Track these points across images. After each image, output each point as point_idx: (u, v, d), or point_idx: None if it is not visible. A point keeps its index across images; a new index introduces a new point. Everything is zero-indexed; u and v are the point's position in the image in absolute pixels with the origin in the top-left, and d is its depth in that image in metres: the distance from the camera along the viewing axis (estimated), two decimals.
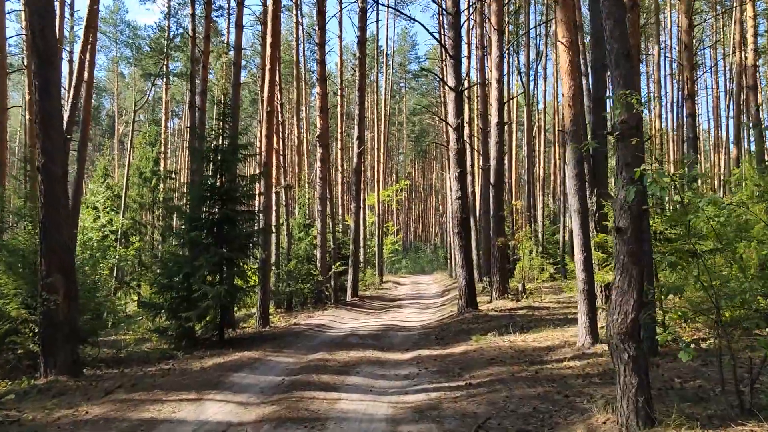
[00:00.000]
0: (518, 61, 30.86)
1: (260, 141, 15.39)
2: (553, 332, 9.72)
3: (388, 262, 46.40)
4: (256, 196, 13.69)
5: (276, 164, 24.21)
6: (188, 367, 8.87)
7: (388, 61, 45.81)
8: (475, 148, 24.05)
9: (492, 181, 15.12)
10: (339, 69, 32.49)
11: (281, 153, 22.70)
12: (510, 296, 15.17)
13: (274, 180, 24.38)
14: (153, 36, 35.38)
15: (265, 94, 14.73)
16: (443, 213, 75.76)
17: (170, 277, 10.95)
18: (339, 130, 33.74)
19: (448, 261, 37.86)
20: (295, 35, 27.22)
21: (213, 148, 11.68)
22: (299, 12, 27.57)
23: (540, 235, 25.69)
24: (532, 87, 30.95)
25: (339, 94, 33.76)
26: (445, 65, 13.94)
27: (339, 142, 34.05)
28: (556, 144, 30.02)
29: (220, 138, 11.82)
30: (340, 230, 27.95)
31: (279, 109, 22.43)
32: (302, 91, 37.04)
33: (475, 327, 11.45)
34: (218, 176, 11.62)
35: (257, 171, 14.38)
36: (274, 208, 23.80)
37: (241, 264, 11.88)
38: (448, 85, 13.79)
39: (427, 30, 21.86)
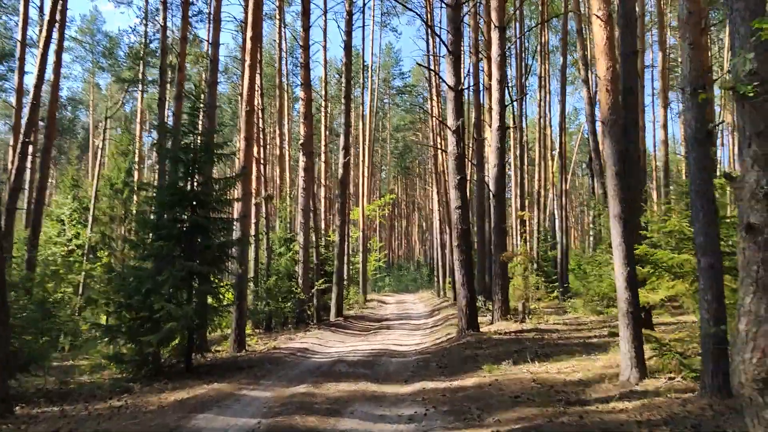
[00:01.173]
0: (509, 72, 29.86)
1: (239, 144, 13.92)
2: (580, 361, 8.33)
3: (372, 280, 44.85)
4: (233, 202, 12.15)
5: (256, 174, 22.72)
6: (144, 404, 7.29)
7: (373, 77, 44.75)
8: (468, 157, 22.84)
9: (493, 190, 13.80)
10: (323, 82, 31.28)
11: (262, 162, 21.23)
12: (512, 317, 13.79)
13: (254, 190, 22.89)
14: (127, 41, 33.90)
15: (244, 92, 13.32)
16: (427, 230, 74.57)
17: (129, 294, 9.36)
18: (323, 144, 32.46)
19: (435, 279, 36.49)
20: (278, 42, 25.91)
21: (183, 147, 10.19)
22: (282, 18, 26.30)
23: (535, 252, 24.44)
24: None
25: (323, 107, 32.59)
26: (443, 62, 12.65)
27: (323, 155, 32.75)
28: (545, 160, 28.99)
29: (192, 136, 10.33)
30: (323, 245, 26.43)
31: (260, 116, 21.01)
32: (285, 102, 35.71)
33: (482, 353, 10.01)
34: (189, 178, 10.11)
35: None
36: (253, 220, 22.29)
37: (215, 279, 10.36)
38: (447, 84, 12.50)
39: (421, 19, 20.58)
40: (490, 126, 17.79)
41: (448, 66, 12.54)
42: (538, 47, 25.76)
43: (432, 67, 24.89)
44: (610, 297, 14.60)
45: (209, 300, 10.37)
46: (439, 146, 26.72)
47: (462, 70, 12.97)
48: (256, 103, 22.17)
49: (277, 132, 26.20)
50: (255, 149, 23.14)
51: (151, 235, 10.08)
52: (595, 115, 18.33)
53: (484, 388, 7.20)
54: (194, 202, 10.05)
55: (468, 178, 12.45)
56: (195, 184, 10.15)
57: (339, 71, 46.26)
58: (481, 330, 12.42)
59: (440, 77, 12.48)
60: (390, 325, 20.66)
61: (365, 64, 43.90)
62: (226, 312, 11.07)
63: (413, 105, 70.38)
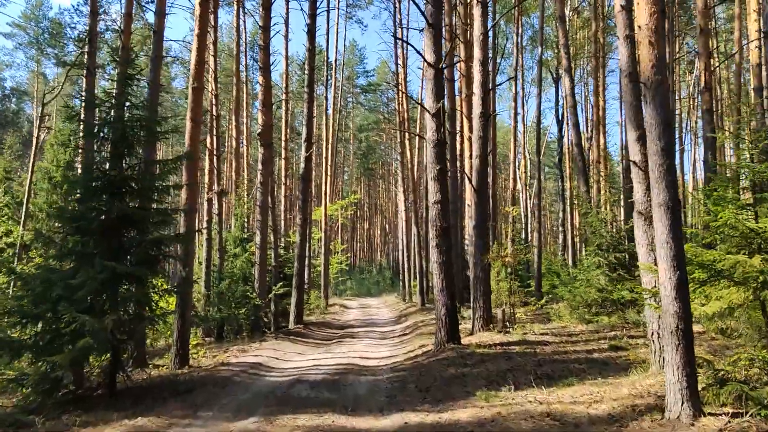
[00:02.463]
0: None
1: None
2: (595, 386, 6.84)
3: (333, 283, 43.05)
4: (178, 192, 10.29)
5: (209, 167, 20.77)
6: None
7: (337, 74, 43.08)
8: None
9: (474, 184, 12.30)
10: (284, 77, 29.50)
11: (216, 155, 19.31)
12: (494, 327, 12.30)
13: (207, 184, 20.92)
14: (69, 21, 31.32)
15: (192, 65, 11.47)
16: (390, 232, 73.10)
17: (35, 302, 7.46)
18: (283, 139, 30.63)
19: (400, 283, 34.92)
20: (236, 27, 24.00)
21: (110, 121, 8.33)
22: (241, 2, 24.40)
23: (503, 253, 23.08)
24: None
25: (284, 103, 30.77)
26: (417, 37, 11.09)
27: (284, 151, 30.93)
28: (518, 157, 27.84)
29: (123, 108, 8.47)
30: (283, 246, 24.59)
31: (214, 102, 19.10)
32: (243, 94, 33.68)
33: (470, 372, 8.45)
34: (118, 160, 8.26)
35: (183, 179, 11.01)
36: (206, 217, 20.30)
37: (151, 283, 8.52)
38: (426, 61, 10.94)
39: None
40: (468, 115, 16.36)
41: (428, 41, 10.99)
42: (515, 36, 24.50)
43: (401, 59, 23.35)
44: (599, 303, 13.30)
45: (141, 308, 8.53)
46: (411, 133, 25.13)
47: (443, 46, 11.44)
48: (212, 89, 20.31)
49: (234, 124, 24.29)
50: (210, 141, 21.25)
51: (68, 228, 8.18)
52: (576, 107, 17.10)
53: (485, 427, 5.62)
54: (123, 189, 8.21)
55: (448, 168, 10.86)
56: (124, 166, 8.31)
57: (301, 66, 44.44)
58: (462, 342, 10.87)
59: (419, 53, 10.89)
60: (354, 332, 18.97)
61: (329, 61, 42.11)
62: (162, 321, 9.18)
63: (383, 85, 69.08)
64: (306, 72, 20.80)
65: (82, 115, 11.92)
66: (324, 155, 36.55)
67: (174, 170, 8.81)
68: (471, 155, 13.03)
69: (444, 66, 11.00)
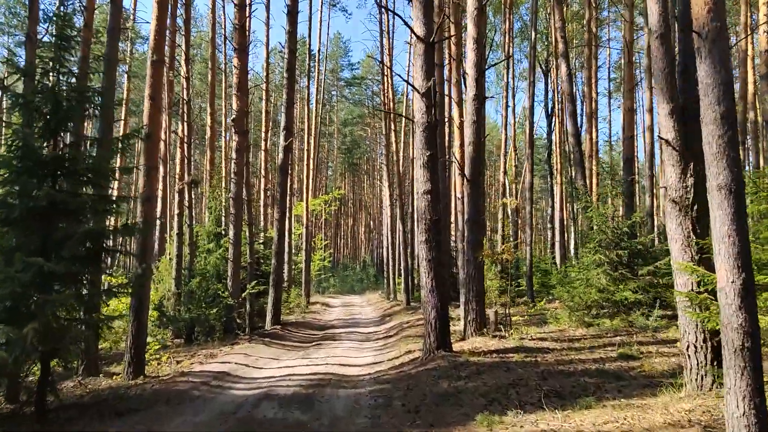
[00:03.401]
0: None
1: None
2: (619, 409, 5.68)
3: (316, 280, 41.76)
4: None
5: (181, 156, 19.43)
6: None
7: (320, 67, 41.76)
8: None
9: (467, 174, 11.12)
10: (265, 66, 28.18)
11: (186, 142, 17.95)
12: (489, 331, 11.15)
13: (178, 174, 19.54)
14: None
15: (151, 35, 10.13)
16: (374, 229, 71.87)
17: None
18: (263, 132, 29.34)
19: (384, 280, 33.75)
20: (211, 7, 22.57)
21: (42, 90, 7.01)
22: None
23: (498, 250, 21.99)
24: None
25: (264, 95, 29.47)
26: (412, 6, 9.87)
27: (263, 143, 29.64)
28: (509, 149, 26.76)
29: (58, 75, 7.16)
30: (261, 241, 23.26)
31: (185, 85, 17.73)
32: (223, 85, 32.30)
33: (465, 387, 7.28)
34: (49, 136, 6.95)
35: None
36: (176, 210, 18.93)
37: (86, 282, 7.22)
38: (415, 34, 9.74)
39: None
40: (458, 101, 15.20)
41: (417, 11, 9.79)
42: (507, 22, 23.38)
43: (386, 41, 22.11)
44: (600, 305, 12.22)
45: (80, 312, 7.23)
46: (398, 116, 24.01)
47: (434, 19, 10.25)
48: (184, 72, 18.92)
49: (208, 111, 22.88)
50: (181, 128, 19.87)
51: None
52: (574, 95, 16.02)
53: None
54: (57, 171, 6.91)
55: (438, 155, 9.68)
56: (59, 144, 7.00)
57: (282, 55, 42.98)
58: (453, 349, 9.70)
59: (407, 24, 9.68)
60: (335, 334, 17.76)
61: (312, 52, 40.73)
62: (104, 327, 7.88)
63: (368, 78, 67.99)
64: (286, 56, 19.49)
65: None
66: (306, 149, 35.30)
67: (122, 150, 7.51)
68: (461, 143, 11.85)
69: (435, 40, 9.79)
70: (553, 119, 29.51)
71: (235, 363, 11.21)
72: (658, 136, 5.68)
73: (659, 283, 12.15)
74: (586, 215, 13.18)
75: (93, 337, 9.09)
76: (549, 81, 28.10)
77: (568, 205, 33.17)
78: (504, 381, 7.33)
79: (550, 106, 27.48)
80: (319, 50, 38.45)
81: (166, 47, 13.65)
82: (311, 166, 34.61)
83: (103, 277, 10.97)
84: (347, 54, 75.33)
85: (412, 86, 9.88)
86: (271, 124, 40.85)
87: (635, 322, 11.38)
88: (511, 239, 23.47)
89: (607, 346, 9.66)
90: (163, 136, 26.56)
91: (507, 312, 11.32)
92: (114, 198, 7.65)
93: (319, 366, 10.89)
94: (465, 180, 11.11)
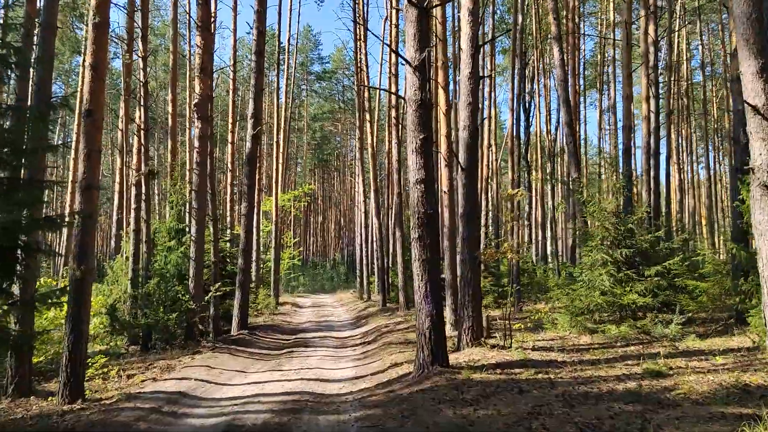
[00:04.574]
0: None
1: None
2: None
3: (285, 279, 40.10)
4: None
5: (137, 146, 17.68)
6: None
7: (290, 57, 40.08)
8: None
9: (462, 162, 9.81)
10: (232, 52, 26.52)
11: (143, 128, 16.23)
12: (486, 340, 9.85)
13: (135, 165, 17.81)
14: None
15: None
16: (344, 226, 70.36)
17: None
18: (230, 123, 27.64)
19: (357, 279, 32.35)
20: None
21: None
22: None
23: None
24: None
25: (231, 84, 27.80)
26: None
27: (230, 135, 27.94)
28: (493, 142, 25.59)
29: None
30: (227, 239, 21.65)
31: (141, 66, 16.00)
32: (186, 73, 30.47)
33: (475, 417, 5.96)
34: None
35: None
36: (133, 204, 17.18)
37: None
38: None
39: None
40: (443, 86, 13.89)
41: None
42: (491, 6, 22.14)
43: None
44: (604, 309, 11.05)
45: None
46: (383, 91, 22.64)
47: None
48: (141, 50, 17.19)
49: (170, 98, 21.11)
50: (139, 114, 18.10)
51: None
52: (567, 81, 14.88)
53: None
54: None
55: (432, 139, 8.34)
56: None
57: (251, 47, 41.14)
58: (450, 363, 8.37)
59: None
60: (308, 339, 16.32)
61: (281, 45, 39.02)
62: (22, 345, 6.32)
63: (331, 93, 66.51)
64: (254, 37, 17.90)
65: None
66: (276, 141, 33.67)
67: (39, 128, 5.95)
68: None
69: (430, 5, 8.44)
70: (533, 112, 28.58)
71: (195, 379, 9.69)
72: (744, 102, 4.47)
73: (670, 285, 11.06)
74: (587, 210, 12.00)
75: (26, 352, 7.59)
76: (526, 72, 27.10)
77: (548, 202, 32.31)
78: (522, 409, 6.03)
79: (526, 99, 26.50)
80: (288, 39, 36.77)
81: (122, 26, 12.10)
82: (281, 161, 33.00)
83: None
84: (317, 47, 73.64)
85: (403, 59, 8.52)
86: (238, 117, 39.15)
87: (648, 329, 10.25)
88: (492, 237, 22.29)
89: (624, 359, 8.46)
90: (120, 125, 24.74)
91: (507, 319, 10.05)
92: (41, 183, 6.08)
93: (293, 382, 9.46)
94: (459, 169, 9.79)
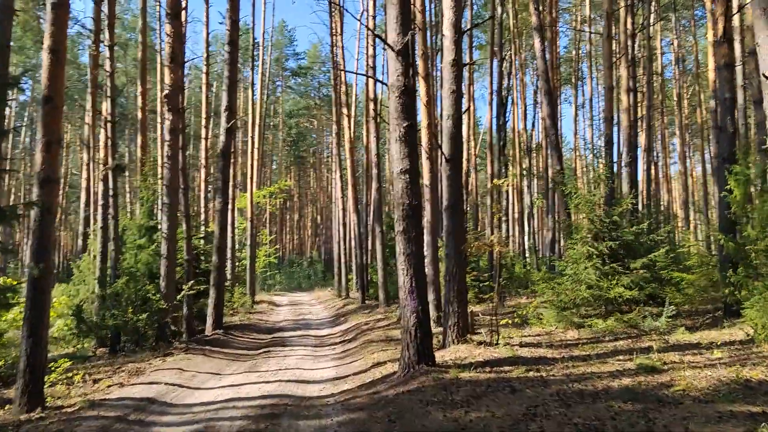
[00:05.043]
0: None
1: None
2: None
3: (261, 277, 39.41)
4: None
5: (105, 139, 16.95)
6: None
7: (264, 56, 39.37)
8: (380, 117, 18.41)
9: (445, 152, 9.43)
10: (204, 46, 25.78)
11: (110, 120, 15.51)
12: (472, 337, 9.48)
13: (102, 159, 17.08)
14: None
15: None
16: (321, 223, 69.69)
17: None
18: (203, 118, 26.92)
19: (336, 277, 31.88)
20: None
21: None
22: None
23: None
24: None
25: (204, 77, 27.04)
26: None
27: (204, 131, 27.23)
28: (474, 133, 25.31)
29: None
30: (201, 236, 21.01)
31: (109, 55, 15.26)
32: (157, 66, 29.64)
33: (467, 421, 5.58)
34: None
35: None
36: (101, 200, 16.45)
37: None
38: None
39: None
40: (423, 75, 13.50)
41: None
42: None
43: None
44: (590, 303, 10.79)
45: None
46: (365, 74, 22.14)
47: None
48: (107, 39, 16.46)
49: (139, 90, 20.37)
50: (106, 106, 17.37)
51: None
52: (548, 72, 14.60)
53: None
54: None
55: (417, 127, 7.93)
56: None
57: (224, 42, 40.21)
58: (436, 362, 7.98)
59: None
60: (285, 339, 15.83)
61: (255, 41, 38.27)
62: None
63: (307, 90, 65.76)
64: (227, 27, 17.27)
65: None
66: (250, 141, 33.01)
67: None
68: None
69: None
70: (510, 107, 28.42)
71: (166, 382, 9.17)
72: (763, 75, 4.15)
73: (656, 277, 10.85)
74: (571, 202, 11.73)
75: None
76: (503, 67, 26.92)
77: (525, 198, 32.18)
78: (516, 410, 5.67)
79: (503, 95, 26.30)
80: (263, 34, 36.11)
81: (89, 16, 11.45)
82: (256, 156, 32.35)
83: None
84: (292, 43, 73.00)
85: (385, 42, 8.10)
86: (212, 113, 38.27)
87: (635, 322, 10.00)
88: (473, 231, 21.98)
89: (616, 355, 8.18)
90: (88, 119, 23.83)
91: (495, 314, 9.69)
92: None
93: (271, 384, 8.99)
94: (443, 160, 9.40)
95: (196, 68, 57.82)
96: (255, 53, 35.77)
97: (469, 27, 15.21)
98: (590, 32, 26.23)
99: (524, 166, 29.10)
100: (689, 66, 36.41)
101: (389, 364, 9.24)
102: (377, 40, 25.72)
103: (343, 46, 25.69)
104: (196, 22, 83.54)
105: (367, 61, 22.36)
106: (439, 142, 9.76)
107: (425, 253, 12.89)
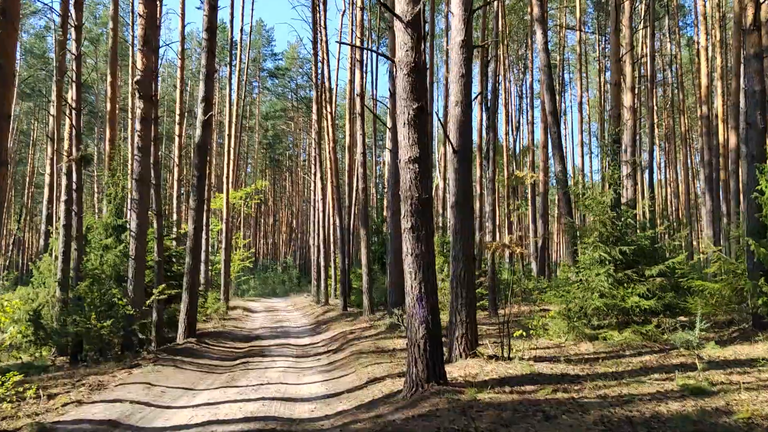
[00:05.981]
0: None
1: None
2: None
3: (235, 282, 37.96)
4: None
5: (69, 127, 15.60)
6: None
7: (242, 55, 38.07)
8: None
9: (454, 142, 8.44)
10: (180, 37, 24.55)
11: (75, 108, 14.19)
12: (480, 350, 8.45)
13: (66, 150, 15.70)
14: None
15: None
16: (296, 228, 68.24)
17: None
18: (177, 114, 25.61)
19: (314, 282, 30.67)
20: None
21: None
22: None
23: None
24: None
25: (179, 72, 25.74)
26: None
27: (177, 128, 25.88)
28: None
29: None
30: (173, 236, 19.71)
31: (74, 37, 13.95)
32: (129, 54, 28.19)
33: None
34: None
35: None
36: (63, 195, 15.10)
37: None
38: None
39: None
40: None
41: None
42: None
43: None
44: (603, 313, 9.89)
45: None
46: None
47: None
48: (74, 18, 15.14)
49: (108, 80, 19.04)
50: (71, 93, 16.02)
51: None
52: (550, 66, 13.77)
53: None
54: None
55: (428, 110, 6.92)
56: None
57: (200, 41, 38.69)
58: (447, 379, 6.94)
59: None
60: (264, 347, 14.66)
61: (233, 40, 36.97)
62: None
63: (284, 91, 64.57)
64: (206, 12, 16.09)
65: None
66: (226, 143, 31.71)
67: None
68: (449, 101, 9.17)
69: None
70: (495, 110, 27.63)
71: (131, 401, 7.96)
72: None
73: (675, 286, 10.00)
74: (583, 204, 10.84)
75: None
76: (488, 69, 26.17)
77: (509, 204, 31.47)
78: None
79: (489, 98, 25.55)
80: (241, 30, 34.79)
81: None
82: (232, 156, 31.02)
83: None
84: (270, 43, 71.56)
85: (392, 12, 7.07)
86: (186, 112, 36.79)
87: (654, 335, 9.12)
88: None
89: (647, 372, 7.25)
90: (52, 111, 22.33)
91: (506, 323, 8.69)
92: None
93: (253, 403, 7.85)
94: (452, 150, 8.41)
95: (170, 65, 56.25)
96: (233, 52, 34.56)
97: (483, 4, 14.23)
98: (581, 31, 25.58)
99: (511, 171, 28.32)
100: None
101: (388, 380, 8.19)
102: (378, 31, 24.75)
103: (327, 40, 24.67)
104: (172, 15, 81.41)
105: (352, 55, 21.35)
106: (446, 132, 8.75)
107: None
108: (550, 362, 8.17)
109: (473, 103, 9.17)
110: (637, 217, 13.24)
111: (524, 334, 9.54)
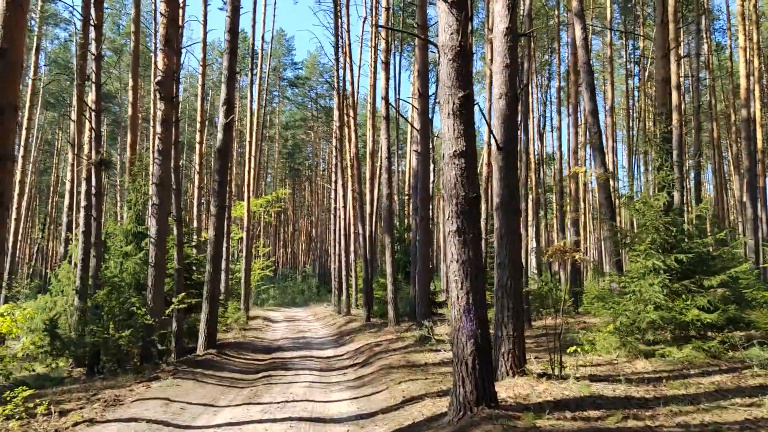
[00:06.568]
0: None
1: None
2: None
3: (255, 292, 37.44)
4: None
5: (89, 129, 15.16)
6: None
7: (263, 64, 37.73)
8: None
9: (499, 139, 7.72)
10: (202, 43, 24.20)
11: (95, 110, 13.74)
12: (529, 368, 7.65)
13: (86, 154, 15.28)
14: None
15: None
16: (315, 237, 67.71)
17: None
18: (198, 122, 25.26)
19: (336, 291, 29.98)
20: None
21: None
22: None
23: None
24: None
25: (200, 78, 25.39)
26: None
27: (198, 135, 25.51)
28: None
29: None
30: (194, 244, 19.17)
31: (95, 37, 13.55)
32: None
33: None
34: None
35: None
36: (83, 201, 14.62)
37: None
38: None
39: None
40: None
41: None
42: None
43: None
44: (659, 327, 9.03)
45: None
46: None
47: None
48: (94, 17, 14.75)
49: (130, 84, 18.68)
50: (92, 95, 15.61)
51: None
52: (590, 63, 13.00)
53: None
54: None
55: (473, 93, 6.18)
56: None
57: (221, 53, 38.36)
58: (499, 401, 6.17)
59: None
60: (286, 360, 13.97)
61: (254, 49, 36.67)
62: None
63: (304, 101, 64.33)
64: (228, 14, 15.59)
65: None
66: (247, 150, 31.32)
67: None
68: (492, 94, 8.46)
69: None
70: (529, 106, 26.89)
71: (148, 420, 7.31)
72: None
73: (738, 298, 9.12)
74: (632, 208, 10.03)
75: None
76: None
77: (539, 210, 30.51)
78: None
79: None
80: (263, 38, 34.45)
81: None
82: (252, 164, 30.58)
83: None
84: (290, 52, 71.43)
85: None
86: (207, 122, 36.46)
87: (719, 351, 8.26)
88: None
89: (725, 395, 6.40)
90: (73, 116, 22.04)
91: (558, 336, 7.90)
92: None
93: (279, 423, 7.15)
94: (496, 147, 7.69)
95: (192, 75, 56.27)
96: (254, 61, 34.28)
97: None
98: (611, 30, 24.73)
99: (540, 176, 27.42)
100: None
101: (427, 399, 7.44)
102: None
103: (350, 44, 24.13)
104: (193, 22, 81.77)
105: (374, 58, 20.76)
106: (489, 126, 8.03)
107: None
108: (607, 382, 7.35)
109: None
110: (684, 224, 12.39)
111: (578, 350, 8.70)
